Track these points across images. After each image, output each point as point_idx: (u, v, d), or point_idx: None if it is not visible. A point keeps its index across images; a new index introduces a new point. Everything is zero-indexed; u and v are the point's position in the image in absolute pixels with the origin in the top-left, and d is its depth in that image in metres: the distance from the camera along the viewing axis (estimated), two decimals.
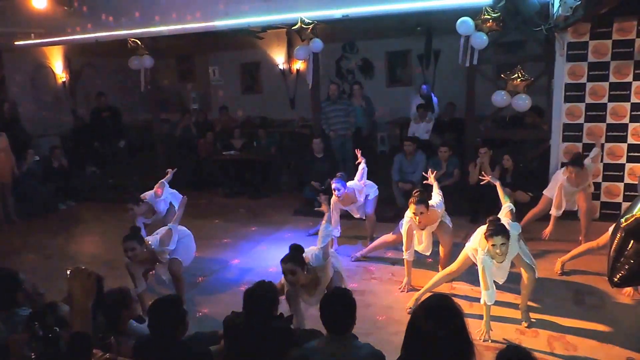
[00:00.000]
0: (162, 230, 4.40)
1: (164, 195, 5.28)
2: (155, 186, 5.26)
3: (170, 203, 5.28)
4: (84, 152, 9.20)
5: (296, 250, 3.48)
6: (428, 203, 4.36)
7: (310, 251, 3.65)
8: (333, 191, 5.26)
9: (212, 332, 3.10)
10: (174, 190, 5.41)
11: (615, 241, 2.86)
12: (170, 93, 10.85)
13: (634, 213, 2.82)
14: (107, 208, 7.52)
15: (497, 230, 3.54)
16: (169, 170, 5.48)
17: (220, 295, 4.62)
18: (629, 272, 2.82)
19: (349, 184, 5.41)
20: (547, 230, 5.08)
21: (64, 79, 10.00)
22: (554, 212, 5.04)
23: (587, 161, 4.97)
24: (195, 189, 8.06)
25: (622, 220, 2.86)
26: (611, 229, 3.30)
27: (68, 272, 2.33)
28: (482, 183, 4.69)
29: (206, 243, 5.79)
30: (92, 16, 7.80)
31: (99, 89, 9.40)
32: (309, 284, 3.55)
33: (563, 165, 5.78)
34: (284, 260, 3.43)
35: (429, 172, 4.93)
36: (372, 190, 5.62)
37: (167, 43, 8.02)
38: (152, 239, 4.23)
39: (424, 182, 4.93)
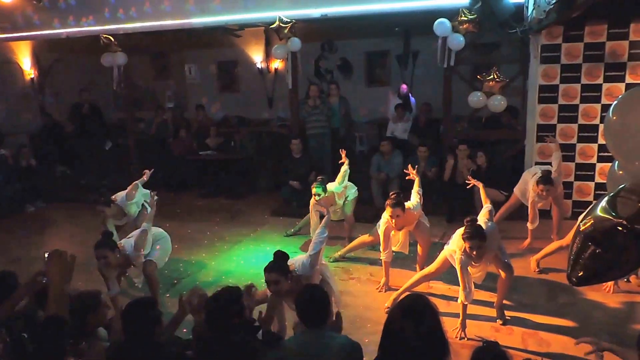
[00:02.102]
0: (136, 232, 4.25)
1: (137, 197, 5.14)
2: (128, 187, 5.13)
3: (143, 205, 5.15)
4: (53, 151, 8.93)
5: (280, 259, 3.32)
6: (404, 205, 4.36)
7: (298, 259, 3.52)
8: (313, 196, 5.23)
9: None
10: (148, 191, 5.27)
11: (575, 243, 2.91)
12: (145, 91, 10.62)
13: (591, 216, 2.86)
14: (77, 209, 7.29)
15: (475, 234, 3.59)
16: (146, 171, 5.32)
17: None
18: (586, 273, 2.88)
19: (329, 186, 5.39)
20: (526, 243, 5.25)
21: (32, 76, 9.68)
22: (529, 226, 5.15)
23: (554, 175, 5.05)
24: (171, 189, 7.92)
25: (581, 224, 2.90)
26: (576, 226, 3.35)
27: (45, 255, 2.30)
28: (468, 187, 4.74)
29: (182, 244, 5.69)
30: (62, 11, 7.57)
31: (68, 86, 9.13)
32: (293, 291, 3.43)
33: (537, 164, 5.89)
34: (267, 270, 3.29)
35: (409, 167, 4.91)
36: (352, 191, 5.62)
37: (142, 40, 7.85)
38: (126, 244, 4.11)
39: (407, 177, 4.94)
